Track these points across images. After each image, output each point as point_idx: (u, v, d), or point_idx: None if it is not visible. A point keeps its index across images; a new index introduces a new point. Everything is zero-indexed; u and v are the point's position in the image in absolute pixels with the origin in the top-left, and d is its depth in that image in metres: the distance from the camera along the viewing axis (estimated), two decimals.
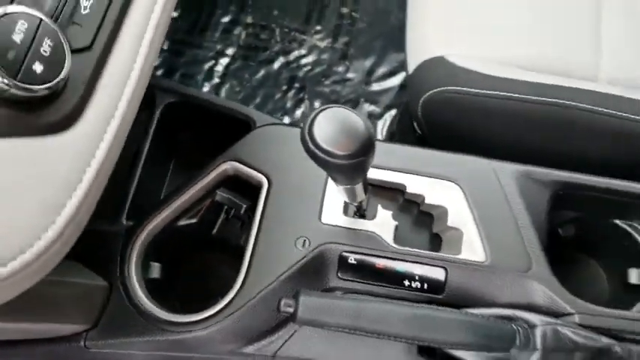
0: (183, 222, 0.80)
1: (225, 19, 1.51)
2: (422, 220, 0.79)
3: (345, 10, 1.54)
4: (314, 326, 0.65)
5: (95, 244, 0.72)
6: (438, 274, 0.72)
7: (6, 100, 0.43)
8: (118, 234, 0.76)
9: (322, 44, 1.50)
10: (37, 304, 0.59)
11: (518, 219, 0.75)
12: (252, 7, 1.53)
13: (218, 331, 0.70)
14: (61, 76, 0.45)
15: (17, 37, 0.42)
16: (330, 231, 0.73)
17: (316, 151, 0.47)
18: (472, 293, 0.72)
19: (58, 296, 0.63)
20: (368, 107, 1.44)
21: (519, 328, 0.68)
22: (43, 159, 0.46)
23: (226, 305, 0.70)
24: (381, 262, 0.72)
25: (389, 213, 0.75)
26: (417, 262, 0.72)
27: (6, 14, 0.42)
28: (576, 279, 0.88)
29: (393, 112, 1.43)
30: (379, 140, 0.74)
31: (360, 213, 0.75)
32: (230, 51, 1.48)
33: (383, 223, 0.75)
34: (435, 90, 0.88)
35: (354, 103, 1.44)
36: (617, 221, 0.86)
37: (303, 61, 1.48)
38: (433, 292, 0.72)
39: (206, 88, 1.44)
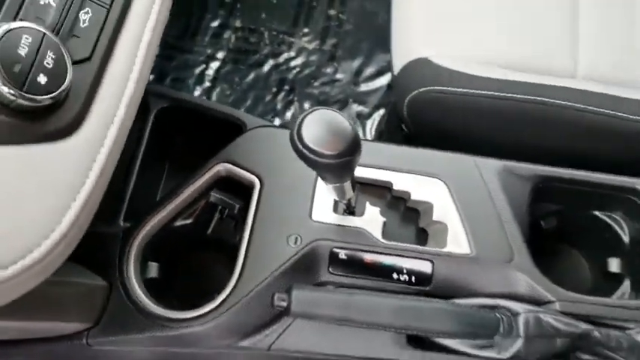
0: (179, 223, 0.82)
1: (215, 24, 1.52)
2: (409, 216, 0.81)
3: (332, 12, 1.55)
4: (307, 319, 0.67)
5: (94, 246, 0.73)
6: (424, 267, 0.74)
7: (13, 109, 0.45)
8: (116, 236, 0.77)
9: (310, 46, 1.51)
10: (42, 304, 0.61)
11: (500, 212, 0.78)
12: (241, 11, 1.54)
13: (215, 327, 0.72)
14: (64, 86, 0.47)
15: (22, 51, 0.45)
16: (320, 228, 0.75)
17: (305, 151, 0.49)
18: (458, 284, 0.74)
19: (60, 295, 0.65)
20: (357, 107, 1.45)
21: (503, 317, 0.70)
22: (48, 164, 0.48)
23: (222, 301, 0.72)
24: (370, 257, 0.74)
25: (377, 209, 0.77)
26: (404, 256, 0.74)
27: (11, 30, 0.44)
28: (560, 269, 0.91)
29: (382, 111, 1.45)
30: (366, 140, 0.77)
31: (350, 210, 0.77)
32: (220, 55, 1.49)
33: (371, 219, 0.76)
34: (420, 90, 0.91)
35: (343, 104, 1.45)
36: (597, 213, 0.89)
37: (292, 63, 1.49)
38: (420, 284, 0.74)
39: (197, 92, 1.45)
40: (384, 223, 0.77)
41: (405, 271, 0.74)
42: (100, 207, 0.56)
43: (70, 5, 0.52)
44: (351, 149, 0.50)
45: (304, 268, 0.74)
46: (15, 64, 0.44)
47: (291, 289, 0.66)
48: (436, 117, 0.95)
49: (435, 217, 0.77)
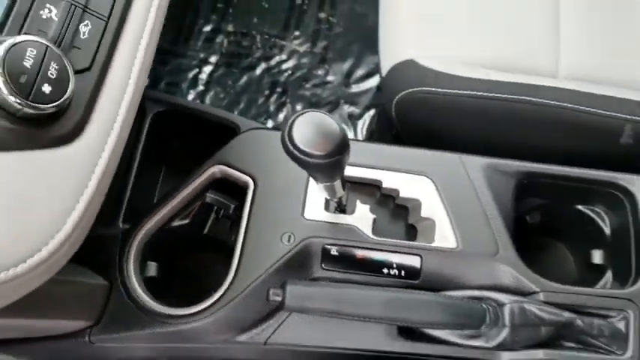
0: (176, 223, 0.84)
1: (207, 28, 1.53)
2: (398, 213, 0.83)
3: (322, 15, 1.57)
4: (301, 312, 0.69)
5: (95, 248, 0.74)
6: (413, 261, 0.76)
7: (19, 118, 0.48)
8: (115, 237, 0.79)
9: (302, 49, 1.53)
10: (45, 302, 0.63)
11: (486, 208, 0.80)
12: (233, 15, 1.55)
13: (212, 322, 0.73)
14: (66, 95, 0.50)
15: (27, 63, 0.47)
16: (313, 226, 0.76)
17: (296, 152, 0.51)
18: (445, 277, 0.77)
19: (63, 294, 0.67)
20: (348, 108, 1.46)
21: (489, 307, 0.73)
22: (52, 169, 0.51)
23: (219, 298, 0.74)
24: (361, 253, 0.76)
25: (367, 207, 0.79)
26: (394, 252, 0.76)
27: (16, 43, 0.47)
28: (546, 261, 0.93)
29: (372, 112, 1.46)
30: (356, 140, 0.79)
31: (341, 208, 0.78)
32: (213, 59, 1.50)
33: (362, 216, 0.78)
34: (407, 91, 0.93)
35: (334, 105, 1.46)
36: (580, 207, 0.91)
37: (284, 66, 1.50)
38: (410, 277, 0.76)
39: (191, 96, 1.47)
40: (374, 220, 0.79)
41: (394, 265, 0.76)
42: (100, 210, 0.58)
43: (71, 18, 0.54)
44: (340, 149, 0.52)
45: (298, 265, 0.76)
46: (21, 75, 0.47)
47: (285, 284, 0.68)
48: (423, 117, 0.97)
49: (423, 214, 0.79)
